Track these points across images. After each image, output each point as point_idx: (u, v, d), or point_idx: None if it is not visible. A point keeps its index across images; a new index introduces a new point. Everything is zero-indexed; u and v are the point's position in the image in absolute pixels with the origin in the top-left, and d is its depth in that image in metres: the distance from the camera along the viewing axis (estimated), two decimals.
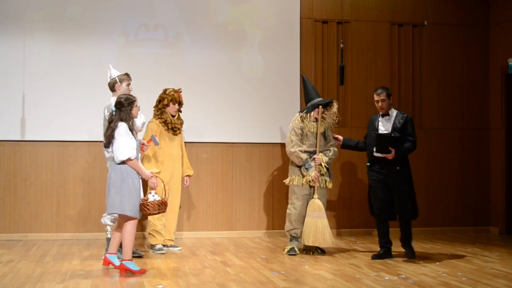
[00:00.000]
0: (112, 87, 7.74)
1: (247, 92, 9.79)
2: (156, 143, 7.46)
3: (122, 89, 7.68)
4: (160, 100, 8.40)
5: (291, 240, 8.15)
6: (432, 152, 10.31)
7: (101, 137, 7.55)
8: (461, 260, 7.79)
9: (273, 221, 9.80)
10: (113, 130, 6.73)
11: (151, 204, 6.75)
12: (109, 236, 7.63)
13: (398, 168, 7.70)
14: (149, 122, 8.30)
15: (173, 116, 8.39)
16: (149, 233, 8.31)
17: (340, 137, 8.30)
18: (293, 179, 8.17)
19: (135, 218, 6.75)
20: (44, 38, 9.26)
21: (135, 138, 6.83)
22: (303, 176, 8.08)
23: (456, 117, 10.43)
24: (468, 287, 6.22)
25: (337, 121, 8.35)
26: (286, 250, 8.13)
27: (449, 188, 10.34)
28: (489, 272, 6.96)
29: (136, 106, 6.92)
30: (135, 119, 7.06)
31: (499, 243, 9.26)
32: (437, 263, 7.54)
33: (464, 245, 8.95)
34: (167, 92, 8.37)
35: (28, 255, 7.84)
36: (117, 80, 7.68)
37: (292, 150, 8.09)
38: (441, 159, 10.06)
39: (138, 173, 6.76)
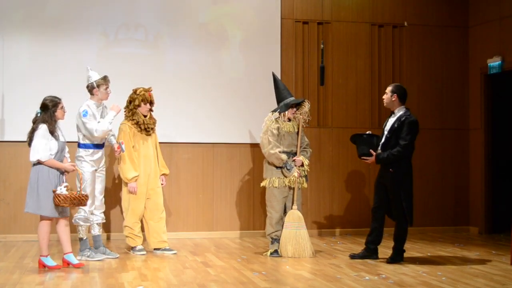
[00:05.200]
0: (90, 91, 7.76)
1: (228, 92, 9.77)
2: (123, 151, 7.83)
3: (100, 93, 7.73)
4: (130, 101, 8.12)
5: (272, 243, 8.08)
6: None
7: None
8: (441, 259, 7.84)
9: (254, 222, 9.79)
10: (34, 131, 6.89)
11: (62, 196, 6.76)
12: (80, 236, 7.63)
13: (390, 170, 7.47)
14: (120, 124, 8.14)
15: (145, 116, 8.13)
16: (127, 236, 8.15)
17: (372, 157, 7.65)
18: (274, 181, 8.04)
19: (51, 218, 6.91)
20: (23, 38, 9.18)
21: (56, 139, 6.95)
22: (285, 177, 8.03)
23: (435, 117, 10.48)
24: (448, 286, 6.25)
25: (308, 121, 8.29)
26: (268, 252, 8.05)
27: (428, 188, 10.38)
28: (468, 272, 7.01)
29: (61, 108, 7.07)
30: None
31: (479, 242, 9.31)
32: (417, 262, 7.57)
33: (444, 245, 9.01)
34: (137, 92, 8.10)
35: (7, 257, 7.78)
36: (95, 86, 7.69)
37: (272, 151, 7.92)
38: (420, 159, 10.09)
39: (58, 169, 6.89)
